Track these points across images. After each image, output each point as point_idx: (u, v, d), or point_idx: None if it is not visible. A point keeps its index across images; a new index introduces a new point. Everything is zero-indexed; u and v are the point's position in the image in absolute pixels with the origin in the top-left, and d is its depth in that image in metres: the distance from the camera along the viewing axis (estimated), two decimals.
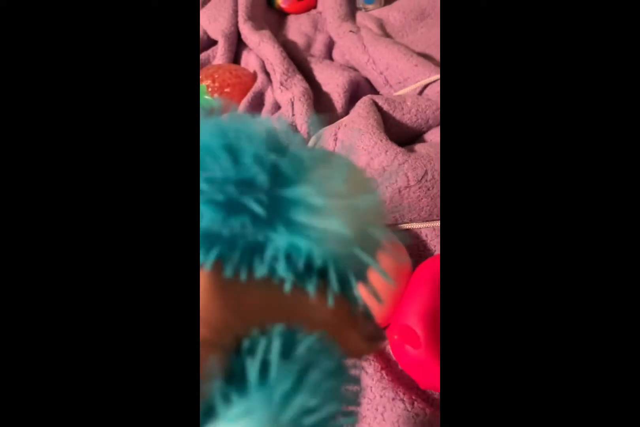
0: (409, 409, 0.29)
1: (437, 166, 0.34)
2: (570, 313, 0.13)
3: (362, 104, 0.40)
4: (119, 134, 0.13)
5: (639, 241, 0.13)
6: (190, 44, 0.14)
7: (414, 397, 0.30)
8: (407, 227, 0.37)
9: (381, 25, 0.59)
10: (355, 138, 0.36)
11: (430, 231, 0.36)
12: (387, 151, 0.34)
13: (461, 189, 0.14)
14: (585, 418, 0.12)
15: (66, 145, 0.12)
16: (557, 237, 0.13)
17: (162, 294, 0.12)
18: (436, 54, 0.54)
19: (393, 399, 0.29)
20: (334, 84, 0.49)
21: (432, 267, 0.32)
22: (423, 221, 0.37)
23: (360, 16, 0.61)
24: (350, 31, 0.54)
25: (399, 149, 0.35)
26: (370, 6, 0.62)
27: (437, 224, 0.36)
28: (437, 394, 0.31)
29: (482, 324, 0.13)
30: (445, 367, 0.14)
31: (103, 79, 0.13)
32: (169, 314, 0.12)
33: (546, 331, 0.13)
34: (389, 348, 0.33)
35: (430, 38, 0.56)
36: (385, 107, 0.40)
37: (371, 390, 0.30)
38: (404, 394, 0.30)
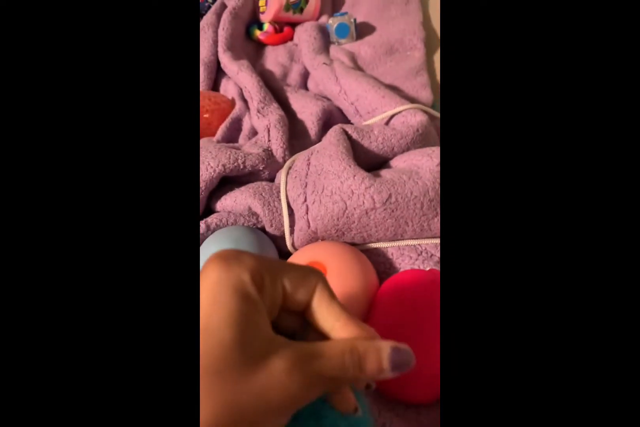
0: (376, 419, 0.31)
1: (401, 190, 0.37)
2: (570, 312, 0.13)
3: (333, 132, 0.43)
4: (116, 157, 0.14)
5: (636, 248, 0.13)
6: (190, 67, 0.15)
7: (380, 407, 0.31)
8: (375, 246, 0.39)
9: (353, 58, 0.63)
10: (326, 163, 0.39)
11: (395, 250, 0.39)
12: (355, 176, 0.37)
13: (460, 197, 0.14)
14: (583, 417, 0.13)
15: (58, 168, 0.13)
16: (557, 243, 0.14)
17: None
18: (402, 86, 0.58)
19: None
20: (308, 112, 0.52)
21: (394, 285, 0.34)
22: (389, 241, 0.39)
23: (333, 49, 0.65)
24: (324, 64, 0.58)
25: (365, 173, 0.37)
26: (343, 40, 0.67)
27: (402, 243, 0.39)
28: (402, 405, 0.33)
29: (481, 328, 0.14)
30: (445, 372, 0.14)
31: (100, 107, 0.14)
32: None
33: (545, 336, 0.13)
34: None
35: (397, 71, 0.61)
36: (354, 135, 0.43)
37: None
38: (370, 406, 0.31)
